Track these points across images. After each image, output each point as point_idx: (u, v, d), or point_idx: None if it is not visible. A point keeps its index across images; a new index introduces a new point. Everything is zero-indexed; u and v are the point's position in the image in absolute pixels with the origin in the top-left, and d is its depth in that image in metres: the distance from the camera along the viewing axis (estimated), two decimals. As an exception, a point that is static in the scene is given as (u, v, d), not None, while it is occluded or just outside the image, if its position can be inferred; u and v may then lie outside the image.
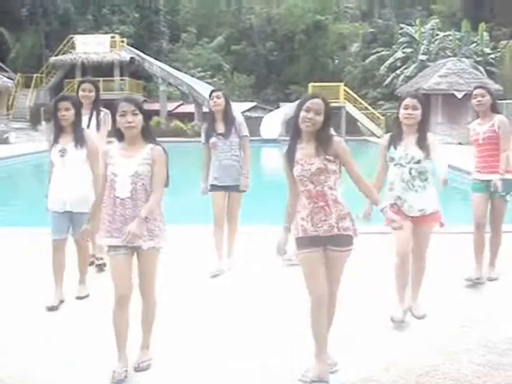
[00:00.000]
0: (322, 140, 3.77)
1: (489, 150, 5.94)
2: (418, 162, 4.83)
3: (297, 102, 4.05)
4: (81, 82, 6.76)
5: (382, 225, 4.80)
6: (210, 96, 6.48)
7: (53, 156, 5.38)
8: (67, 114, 5.30)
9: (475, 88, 6.13)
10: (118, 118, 3.88)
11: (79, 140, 5.36)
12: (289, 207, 3.96)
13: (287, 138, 4.06)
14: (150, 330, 4.13)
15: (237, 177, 6.43)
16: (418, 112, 4.81)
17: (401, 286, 4.91)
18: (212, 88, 9.33)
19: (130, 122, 3.84)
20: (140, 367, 4.00)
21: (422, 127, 4.90)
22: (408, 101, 4.84)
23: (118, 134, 3.98)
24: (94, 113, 6.60)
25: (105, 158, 4.00)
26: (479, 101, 5.92)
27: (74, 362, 4.20)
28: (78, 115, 5.43)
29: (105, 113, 6.67)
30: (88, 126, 6.28)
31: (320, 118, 3.75)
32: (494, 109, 5.99)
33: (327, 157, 3.76)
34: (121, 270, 3.91)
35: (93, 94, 6.54)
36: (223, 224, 6.55)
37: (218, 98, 6.36)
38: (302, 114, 3.75)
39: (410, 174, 4.84)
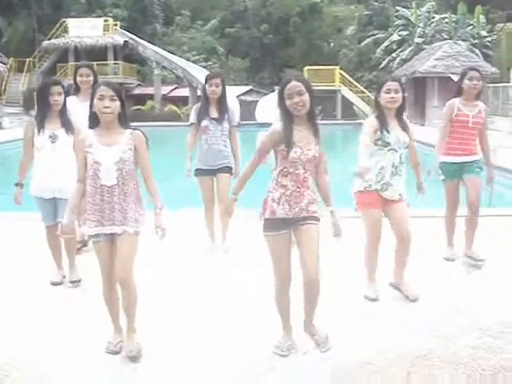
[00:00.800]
0: (316, 125, 3.89)
1: (474, 135, 5.99)
2: (407, 146, 4.90)
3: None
4: (78, 67, 6.59)
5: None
6: (206, 79, 6.35)
7: (40, 141, 5.24)
8: (59, 98, 5.22)
9: (471, 69, 6.08)
10: (95, 102, 3.83)
11: (69, 126, 5.29)
12: (244, 178, 4.04)
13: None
14: (133, 318, 4.09)
15: (223, 160, 6.40)
16: (400, 95, 4.81)
17: (373, 267, 5.09)
18: (206, 72, 9.03)
19: (106, 107, 3.81)
20: (132, 355, 3.96)
21: (401, 110, 4.91)
22: (390, 84, 4.83)
23: (92, 118, 3.92)
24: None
25: (81, 146, 3.93)
26: (475, 84, 5.91)
27: (71, 339, 4.33)
28: (65, 100, 5.35)
29: None
30: None
31: (306, 97, 3.78)
32: (480, 94, 6.03)
33: (318, 144, 3.88)
34: (106, 255, 3.97)
35: (91, 78, 6.39)
36: (213, 208, 6.55)
37: (216, 86, 6.26)
38: (288, 102, 3.78)
39: (400, 159, 4.87)
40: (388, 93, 4.80)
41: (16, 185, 5.45)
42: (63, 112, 5.33)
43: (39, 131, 5.23)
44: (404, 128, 4.90)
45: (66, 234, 4.14)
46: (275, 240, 3.91)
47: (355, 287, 5.27)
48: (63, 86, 5.34)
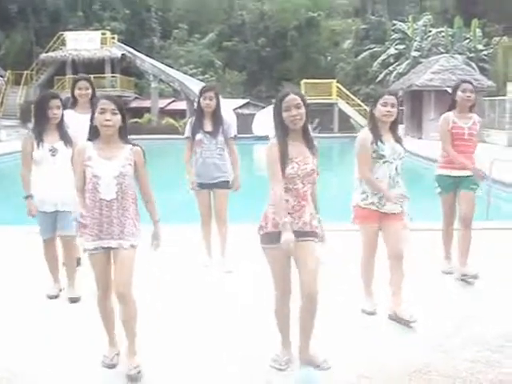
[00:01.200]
0: (311, 139, 3.89)
1: (469, 147, 5.98)
2: (402, 158, 4.91)
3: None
4: (76, 80, 6.57)
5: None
6: (200, 93, 6.31)
7: (40, 155, 5.24)
8: (58, 112, 5.26)
9: (464, 81, 6.12)
10: (96, 115, 3.83)
11: (67, 139, 5.32)
12: (282, 201, 3.76)
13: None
14: (134, 334, 4.00)
15: (219, 174, 6.34)
16: (396, 110, 4.84)
17: (369, 280, 5.12)
18: (203, 84, 9.05)
19: (107, 120, 3.80)
20: (133, 376, 3.86)
21: (395, 124, 4.95)
22: (387, 98, 4.83)
23: (92, 131, 3.91)
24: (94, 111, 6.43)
25: (80, 158, 3.91)
26: (468, 96, 5.92)
27: (68, 352, 4.31)
28: (62, 114, 5.38)
29: None
30: None
31: (303, 111, 3.78)
32: (474, 107, 6.04)
33: (315, 158, 3.88)
34: (101, 267, 3.94)
35: (89, 91, 6.36)
36: (210, 223, 6.52)
37: (210, 99, 6.22)
38: (285, 114, 3.77)
39: (396, 170, 4.89)
40: (385, 106, 4.81)
41: (26, 198, 5.40)
42: (61, 125, 5.34)
43: (38, 145, 5.23)
44: (398, 140, 4.93)
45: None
46: (275, 254, 3.84)
47: (352, 298, 5.24)
48: (61, 100, 5.37)
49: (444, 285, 5.89)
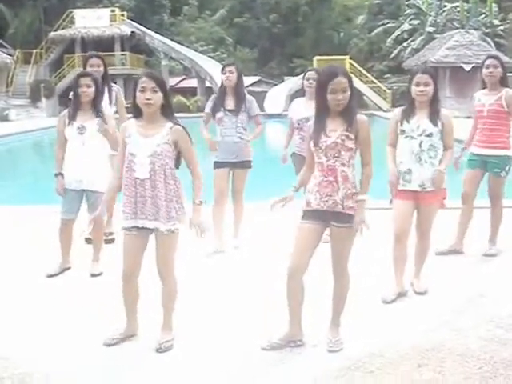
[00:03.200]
0: (345, 116, 3.79)
1: (492, 124, 5.87)
2: (430, 135, 4.78)
3: (301, 75, 4.42)
4: (88, 57, 6.56)
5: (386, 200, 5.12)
6: (222, 70, 6.24)
7: (69, 133, 5.37)
8: (88, 90, 5.33)
9: (488, 57, 6.04)
10: (137, 94, 3.80)
11: (101, 118, 5.40)
12: (302, 174, 4.05)
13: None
14: (170, 312, 4.09)
15: (240, 153, 6.25)
16: (431, 88, 4.75)
17: (397, 267, 4.94)
18: (215, 62, 9.14)
19: (148, 99, 3.77)
20: (162, 348, 3.96)
21: (435, 102, 4.83)
22: (419, 77, 4.76)
23: (136, 110, 3.90)
24: (106, 88, 6.38)
25: (122, 135, 3.96)
26: (491, 72, 5.83)
27: (67, 333, 4.30)
28: (98, 92, 5.45)
29: (117, 89, 6.62)
30: None
31: (347, 95, 3.73)
32: (504, 82, 5.87)
33: (346, 133, 3.77)
34: (131, 248, 3.94)
35: (101, 68, 6.37)
36: (225, 203, 6.34)
37: (230, 72, 6.13)
38: (330, 97, 3.72)
39: (420, 146, 4.80)
40: (418, 86, 4.75)
41: (56, 175, 5.49)
42: (96, 104, 5.42)
43: (69, 123, 5.37)
44: (433, 118, 4.79)
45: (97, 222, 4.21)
46: (301, 228, 3.89)
47: (366, 280, 5.12)
48: (95, 79, 5.42)
49: (457, 263, 5.82)
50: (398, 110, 5.01)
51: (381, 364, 3.77)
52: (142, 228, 3.90)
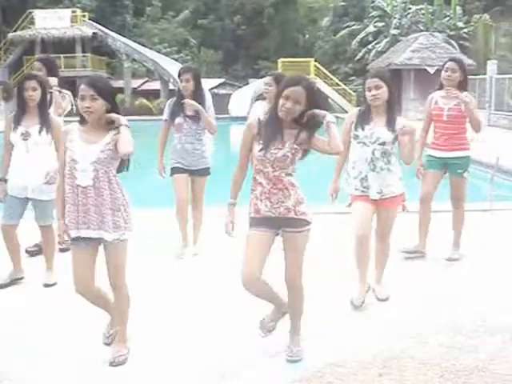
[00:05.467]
0: (304, 125, 3.65)
1: (452, 129, 5.84)
2: (383, 143, 4.67)
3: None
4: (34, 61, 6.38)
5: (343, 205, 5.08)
6: (179, 76, 5.99)
7: (13, 138, 5.17)
8: (34, 94, 5.12)
9: (449, 60, 5.97)
10: (78, 101, 3.70)
11: (44, 124, 5.17)
12: (235, 182, 3.87)
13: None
14: (124, 324, 3.93)
15: (200, 160, 6.15)
16: (383, 90, 4.61)
17: (361, 268, 4.79)
18: (178, 64, 8.80)
19: (87, 108, 3.64)
20: (115, 361, 3.81)
21: (391, 107, 4.71)
22: (369, 82, 4.64)
23: (81, 116, 3.75)
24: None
25: (64, 139, 3.79)
26: (449, 76, 5.78)
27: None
28: (44, 96, 5.22)
29: (63, 94, 6.28)
30: None
31: (299, 108, 3.57)
32: (463, 87, 5.79)
33: (295, 146, 3.65)
34: (79, 260, 3.78)
35: (42, 73, 6.02)
36: (186, 209, 6.15)
37: (187, 81, 5.93)
38: (281, 101, 3.57)
39: (373, 154, 4.70)
40: (369, 90, 4.63)
41: None
42: (41, 108, 5.19)
43: (14, 127, 5.18)
44: (389, 126, 4.65)
45: (64, 242, 3.90)
46: (251, 236, 3.73)
47: (323, 287, 5.03)
48: (41, 81, 5.20)
49: (421, 267, 5.78)
50: (354, 113, 4.88)
51: (340, 374, 3.66)
52: (88, 238, 3.73)
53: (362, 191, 4.75)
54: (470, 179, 6.11)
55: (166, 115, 6.12)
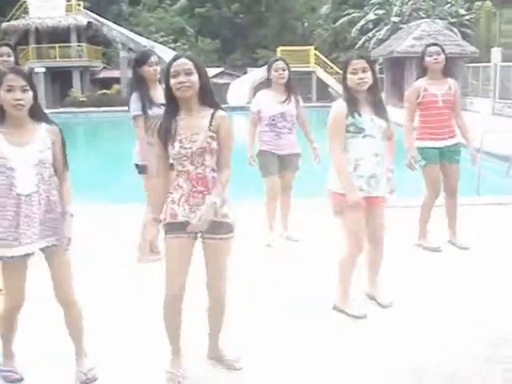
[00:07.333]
0: (215, 106, 3.41)
1: (446, 115, 5.80)
2: (384, 131, 4.34)
3: (265, 66, 3.88)
4: None
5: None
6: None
7: None
8: None
9: (430, 45, 5.89)
10: (1, 93, 3.24)
11: None
12: (158, 194, 3.52)
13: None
14: (81, 339, 3.68)
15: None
16: (369, 74, 4.23)
17: (347, 288, 4.54)
18: (176, 53, 8.54)
19: (18, 100, 3.24)
20: (90, 378, 3.59)
21: (375, 92, 4.36)
22: (356, 63, 4.23)
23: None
24: None
25: None
26: (436, 59, 5.69)
27: None
28: None
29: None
30: None
31: (194, 78, 3.30)
32: (446, 71, 5.81)
33: (210, 133, 3.36)
34: (20, 277, 3.44)
35: (12, 59, 5.52)
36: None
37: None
38: (172, 80, 3.32)
39: (379, 146, 4.33)
40: (355, 73, 4.21)
41: None
42: None
43: None
44: (379, 113, 4.31)
45: None
46: (170, 243, 3.44)
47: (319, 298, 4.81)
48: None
49: (425, 263, 5.64)
50: (341, 105, 4.31)
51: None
52: (25, 255, 3.36)
53: (369, 191, 4.32)
54: (484, 172, 6.41)
55: (138, 108, 5.52)
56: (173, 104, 3.38)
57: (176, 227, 3.40)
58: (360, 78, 4.18)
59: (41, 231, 3.36)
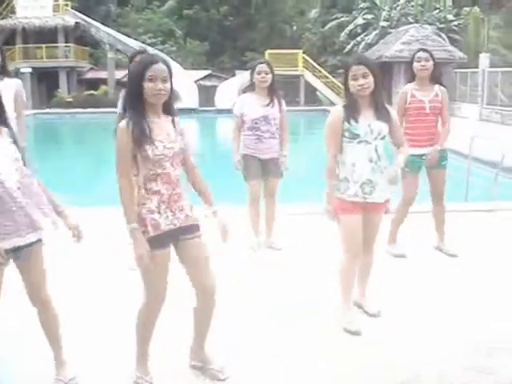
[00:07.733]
0: (175, 113, 3.43)
1: (432, 122, 5.78)
2: (384, 137, 4.30)
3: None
4: None
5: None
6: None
7: None
8: None
9: (419, 50, 5.84)
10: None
11: None
12: (129, 197, 3.29)
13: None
14: (60, 343, 3.55)
15: None
16: (370, 79, 4.17)
17: (349, 289, 4.46)
18: (164, 55, 8.40)
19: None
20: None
21: (378, 96, 4.27)
22: (355, 69, 4.16)
23: None
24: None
25: None
26: (423, 65, 5.64)
27: None
28: None
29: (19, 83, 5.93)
30: None
31: (169, 85, 3.29)
32: (435, 77, 5.75)
33: (179, 136, 3.40)
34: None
35: None
36: None
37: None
38: (148, 84, 3.23)
39: (377, 152, 4.26)
40: (355, 79, 4.15)
41: None
42: None
43: None
44: (381, 117, 4.25)
45: None
46: (158, 256, 3.29)
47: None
48: None
49: (412, 272, 5.56)
50: (339, 110, 4.30)
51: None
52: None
53: (364, 197, 4.27)
54: (472, 178, 6.35)
55: (120, 108, 5.24)
56: (141, 105, 3.28)
57: (161, 239, 3.31)
58: (360, 85, 4.14)
59: (31, 222, 3.26)
